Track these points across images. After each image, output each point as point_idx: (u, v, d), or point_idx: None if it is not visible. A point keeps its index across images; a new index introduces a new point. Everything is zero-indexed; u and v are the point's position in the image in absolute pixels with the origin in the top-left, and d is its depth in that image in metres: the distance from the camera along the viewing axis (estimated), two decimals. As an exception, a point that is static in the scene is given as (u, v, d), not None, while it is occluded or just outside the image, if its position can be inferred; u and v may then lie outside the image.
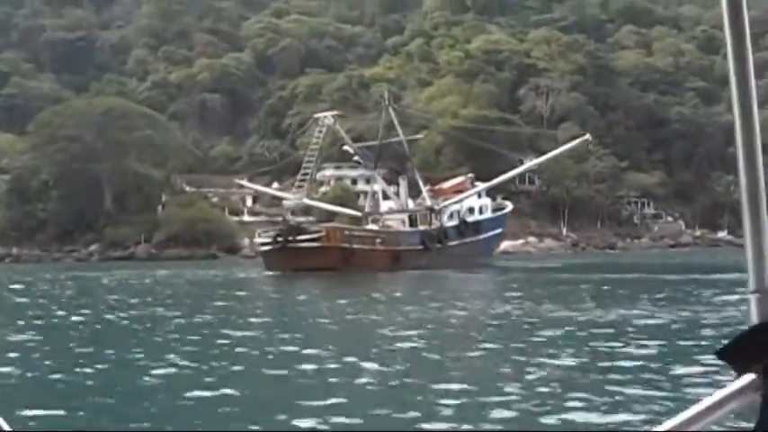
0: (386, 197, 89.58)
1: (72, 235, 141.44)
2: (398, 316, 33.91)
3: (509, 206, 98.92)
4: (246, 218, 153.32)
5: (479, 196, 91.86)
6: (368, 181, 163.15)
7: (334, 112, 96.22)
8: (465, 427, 15.06)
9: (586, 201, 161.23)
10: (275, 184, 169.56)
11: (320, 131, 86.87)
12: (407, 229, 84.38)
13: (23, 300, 50.07)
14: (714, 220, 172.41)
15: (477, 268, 76.57)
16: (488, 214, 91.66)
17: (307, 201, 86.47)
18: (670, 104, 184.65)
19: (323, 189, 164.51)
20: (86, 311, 39.49)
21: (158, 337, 29.20)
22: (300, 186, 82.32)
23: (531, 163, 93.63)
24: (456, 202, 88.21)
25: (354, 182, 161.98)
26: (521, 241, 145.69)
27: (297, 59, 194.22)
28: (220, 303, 43.83)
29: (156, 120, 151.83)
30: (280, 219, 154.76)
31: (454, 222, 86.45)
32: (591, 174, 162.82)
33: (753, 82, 2.23)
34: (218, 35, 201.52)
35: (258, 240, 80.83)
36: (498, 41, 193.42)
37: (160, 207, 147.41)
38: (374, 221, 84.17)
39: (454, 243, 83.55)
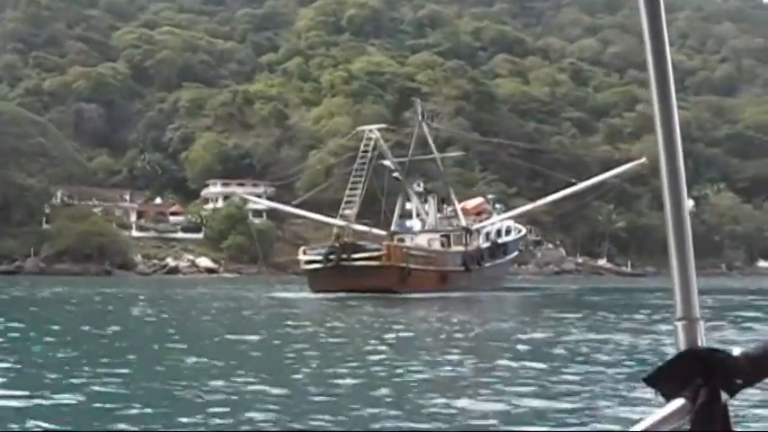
0: (417, 215, 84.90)
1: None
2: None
3: (524, 230, 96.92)
4: (135, 233, 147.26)
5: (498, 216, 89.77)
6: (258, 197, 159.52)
7: (380, 126, 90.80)
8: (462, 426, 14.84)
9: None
10: (158, 199, 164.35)
11: (366, 146, 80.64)
12: (451, 249, 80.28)
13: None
14: (593, 249, 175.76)
15: (505, 290, 77.34)
16: (513, 236, 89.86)
17: (355, 226, 77.65)
18: (549, 133, 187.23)
19: (210, 206, 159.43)
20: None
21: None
22: (349, 206, 76.09)
23: (583, 184, 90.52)
24: (491, 224, 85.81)
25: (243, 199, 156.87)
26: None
27: (174, 72, 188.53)
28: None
29: (49, 128, 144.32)
30: (169, 235, 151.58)
31: (487, 244, 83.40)
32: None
33: (675, 110, 2.27)
34: (90, 44, 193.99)
35: (304, 258, 73.27)
36: (380, 63, 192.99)
37: (44, 219, 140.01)
38: (400, 241, 79.20)
39: (488, 264, 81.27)
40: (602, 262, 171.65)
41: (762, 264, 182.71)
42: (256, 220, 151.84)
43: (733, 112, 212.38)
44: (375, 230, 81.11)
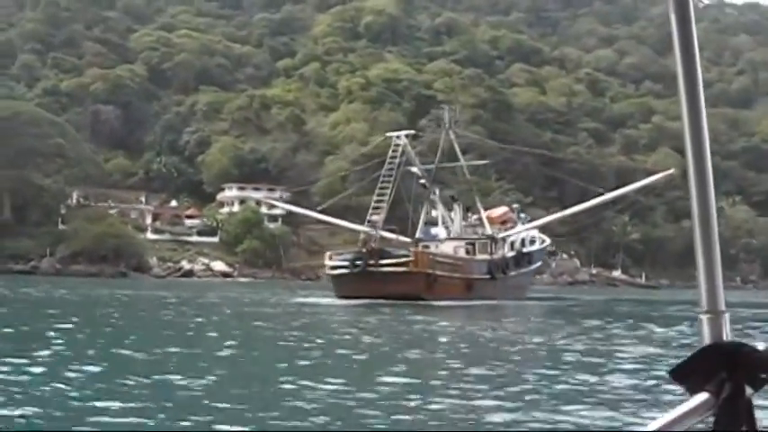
0: (443, 223, 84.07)
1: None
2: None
3: (547, 240, 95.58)
4: (150, 235, 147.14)
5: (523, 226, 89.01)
6: (271, 206, 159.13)
7: (409, 132, 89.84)
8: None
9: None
10: (174, 202, 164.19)
11: (394, 151, 79.70)
12: (477, 257, 79.75)
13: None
14: (607, 260, 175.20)
15: (529, 299, 77.46)
16: (537, 245, 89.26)
17: (383, 232, 76.03)
18: (565, 143, 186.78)
19: (225, 210, 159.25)
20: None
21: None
22: (377, 212, 74.78)
23: (610, 195, 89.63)
24: (517, 233, 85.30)
25: (258, 204, 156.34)
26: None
27: (191, 75, 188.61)
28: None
29: (67, 129, 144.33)
30: (184, 238, 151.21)
31: (512, 253, 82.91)
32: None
33: (703, 109, 2.28)
34: (108, 45, 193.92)
35: (330, 263, 72.48)
36: (397, 70, 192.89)
37: (60, 219, 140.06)
38: (425, 248, 77.76)
39: (513, 273, 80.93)
40: (616, 273, 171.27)
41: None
42: (272, 225, 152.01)
43: (749, 124, 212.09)
44: (402, 237, 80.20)
